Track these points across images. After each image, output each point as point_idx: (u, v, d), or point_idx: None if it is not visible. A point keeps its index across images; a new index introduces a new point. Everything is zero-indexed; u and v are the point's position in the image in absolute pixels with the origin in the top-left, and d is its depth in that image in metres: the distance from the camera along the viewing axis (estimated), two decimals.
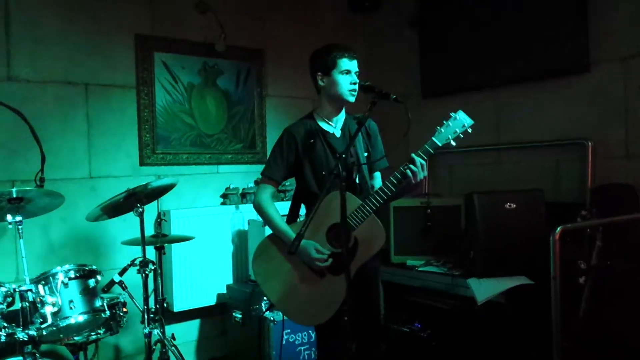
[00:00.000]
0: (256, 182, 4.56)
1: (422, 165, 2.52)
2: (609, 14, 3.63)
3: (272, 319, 3.69)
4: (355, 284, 2.40)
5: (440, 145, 2.54)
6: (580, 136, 3.75)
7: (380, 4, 5.08)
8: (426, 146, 2.54)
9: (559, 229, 2.75)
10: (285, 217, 2.83)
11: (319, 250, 2.59)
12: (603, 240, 2.98)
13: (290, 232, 2.64)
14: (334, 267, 2.61)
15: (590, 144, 3.70)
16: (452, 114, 2.58)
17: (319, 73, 2.77)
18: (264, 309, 3.79)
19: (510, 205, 3.48)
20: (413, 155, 2.52)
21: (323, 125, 2.79)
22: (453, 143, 2.55)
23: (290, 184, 4.50)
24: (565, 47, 3.78)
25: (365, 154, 2.79)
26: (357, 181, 2.75)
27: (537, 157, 4.03)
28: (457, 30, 4.45)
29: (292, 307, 2.70)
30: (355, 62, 2.73)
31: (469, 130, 2.56)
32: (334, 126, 2.80)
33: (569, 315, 2.85)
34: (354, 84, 2.70)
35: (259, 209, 2.78)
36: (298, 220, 2.86)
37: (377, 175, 2.91)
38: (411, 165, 2.51)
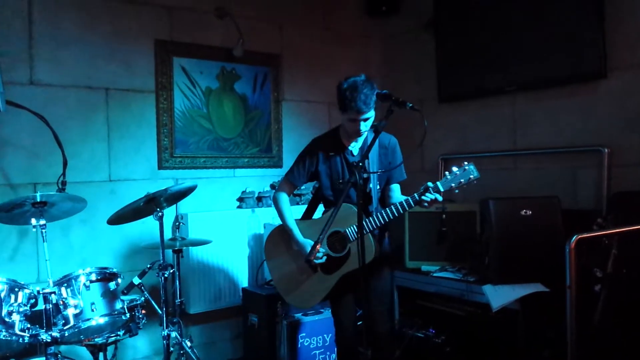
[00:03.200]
0: (272, 186, 4.61)
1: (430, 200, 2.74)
2: (627, 20, 3.62)
3: (287, 322, 3.73)
4: (345, 287, 3.02)
5: (442, 190, 2.74)
6: (597, 143, 3.75)
7: (397, 8, 5.11)
8: (429, 184, 2.74)
9: (574, 238, 2.75)
10: (302, 214, 3.38)
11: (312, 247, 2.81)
12: (619, 248, 2.98)
13: (296, 230, 3.11)
14: (326, 267, 3.03)
15: (606, 151, 3.69)
16: (465, 164, 2.76)
17: (339, 106, 2.94)
18: (279, 313, 3.83)
19: (526, 212, 3.48)
20: (415, 195, 2.78)
21: (344, 141, 3.07)
22: (456, 191, 2.76)
23: (305, 188, 4.55)
24: (583, 53, 3.77)
25: (381, 170, 3.02)
26: (371, 194, 2.98)
27: (554, 164, 4.03)
28: (474, 35, 4.46)
29: (285, 289, 3.23)
30: (366, 114, 2.84)
31: (475, 182, 2.76)
32: (354, 145, 3.06)
33: (584, 323, 2.85)
34: (359, 131, 2.90)
35: (275, 203, 3.23)
36: (311, 218, 3.34)
37: (395, 187, 3.11)
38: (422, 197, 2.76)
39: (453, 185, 2.74)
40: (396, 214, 2.83)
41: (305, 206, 3.44)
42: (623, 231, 3.00)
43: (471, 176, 2.73)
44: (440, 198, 2.74)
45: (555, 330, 3.15)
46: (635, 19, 3.59)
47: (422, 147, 2.82)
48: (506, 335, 3.42)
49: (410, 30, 5.06)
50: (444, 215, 4.02)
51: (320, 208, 3.32)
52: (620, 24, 3.64)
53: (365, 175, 2.92)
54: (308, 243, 3.03)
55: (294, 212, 3.25)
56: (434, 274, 3.89)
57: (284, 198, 3.20)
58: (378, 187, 3.04)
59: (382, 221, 2.85)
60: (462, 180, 2.73)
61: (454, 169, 2.75)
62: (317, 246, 2.45)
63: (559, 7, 3.89)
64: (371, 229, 2.87)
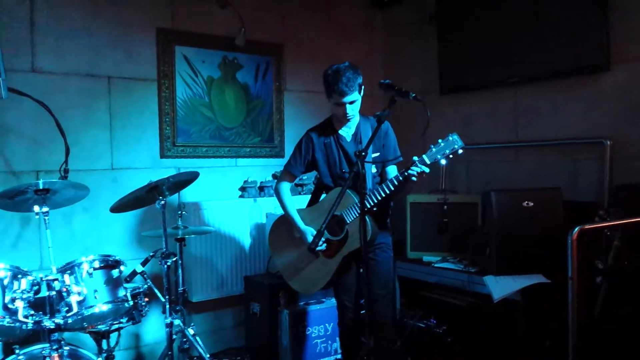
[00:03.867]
0: (274, 176, 4.61)
1: (418, 173, 2.82)
2: (630, 13, 3.61)
3: (288, 311, 3.74)
4: (348, 266, 3.14)
5: (428, 162, 2.81)
6: (599, 135, 3.75)
7: (400, 0, 5.09)
8: (414, 159, 2.82)
9: (576, 229, 2.76)
10: (306, 204, 3.44)
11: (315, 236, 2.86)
12: (621, 240, 2.99)
13: (297, 218, 3.24)
14: (327, 251, 3.14)
15: (608, 143, 3.69)
16: (449, 135, 2.84)
17: (325, 93, 3.10)
18: (281, 302, 3.84)
19: (527, 204, 3.50)
20: (403, 170, 2.87)
21: (338, 130, 3.20)
22: (443, 162, 2.83)
23: (307, 178, 4.55)
24: (585, 45, 3.77)
25: (377, 154, 3.12)
26: (366, 178, 3.03)
27: (556, 156, 4.03)
28: (476, 27, 4.45)
29: (290, 275, 3.33)
30: (349, 96, 2.97)
31: (460, 151, 2.83)
32: (347, 130, 3.20)
33: (585, 314, 2.87)
34: (346, 114, 3.02)
35: (277, 194, 3.35)
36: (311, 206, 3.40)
37: (391, 169, 3.22)
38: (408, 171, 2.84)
39: (438, 156, 2.82)
40: (387, 192, 2.92)
41: (308, 196, 3.46)
42: (625, 223, 3.00)
43: (455, 146, 2.82)
44: (427, 170, 2.80)
45: (557, 322, 3.17)
46: (638, 12, 3.58)
47: (424, 138, 2.82)
48: (507, 326, 3.44)
49: (413, 22, 5.05)
50: (445, 206, 4.04)
51: (323, 197, 3.35)
52: (624, 16, 3.63)
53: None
54: (309, 230, 3.17)
55: (296, 203, 3.35)
56: (436, 265, 3.91)
57: (284, 188, 3.33)
58: (375, 170, 3.15)
59: (375, 199, 2.93)
60: (446, 150, 2.82)
61: (439, 140, 2.83)
62: (323, 230, 2.58)
63: (562, 1, 3.88)
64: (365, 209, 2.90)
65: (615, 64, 3.68)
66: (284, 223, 3.37)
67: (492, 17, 4.33)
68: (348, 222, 3.05)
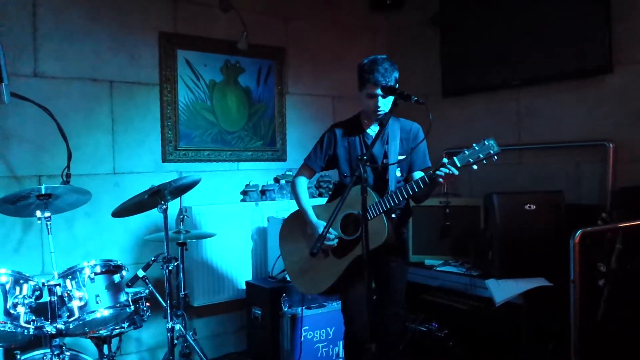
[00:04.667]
0: (276, 180, 4.61)
1: (446, 175, 2.60)
2: (632, 15, 3.60)
3: (290, 315, 3.74)
4: (356, 273, 2.79)
5: (459, 165, 2.59)
6: (602, 138, 3.74)
7: (402, 2, 5.09)
8: (444, 160, 2.60)
9: (578, 232, 2.76)
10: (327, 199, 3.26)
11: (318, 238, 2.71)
12: (623, 243, 2.98)
13: (310, 212, 3.03)
14: (338, 250, 2.92)
15: (611, 145, 3.68)
16: (484, 139, 2.60)
17: (358, 84, 2.91)
18: (283, 306, 3.83)
19: (530, 207, 3.49)
20: (430, 172, 2.67)
21: (365, 127, 3.01)
22: (475, 167, 2.60)
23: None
24: (588, 48, 3.76)
25: (403, 157, 2.93)
26: (389, 181, 2.89)
27: (558, 158, 4.02)
28: (478, 29, 4.44)
29: (295, 274, 3.14)
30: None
31: (495, 158, 2.59)
32: (374, 129, 2.99)
33: (588, 317, 2.86)
34: (377, 108, 2.84)
35: (292, 187, 3.17)
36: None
37: (418, 175, 2.94)
38: (436, 172, 2.63)
39: (471, 160, 2.59)
40: (410, 192, 2.71)
41: (310, 199, 3.42)
42: (627, 226, 3.00)
43: (491, 151, 2.58)
44: (456, 172, 2.58)
45: (559, 325, 3.15)
46: None
47: (427, 141, 2.79)
48: (509, 329, 3.43)
49: (416, 25, 5.05)
50: (447, 210, 4.03)
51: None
52: (626, 19, 3.63)
53: (385, 161, 2.88)
54: (321, 224, 2.95)
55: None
56: (438, 268, 3.91)
57: (301, 182, 3.14)
58: (400, 174, 2.95)
59: (395, 200, 2.73)
60: (480, 155, 2.58)
61: (473, 144, 2.60)
62: (325, 234, 2.42)
63: (564, 2, 3.88)
64: (384, 209, 2.75)
65: (618, 65, 3.68)
66: (296, 220, 3.17)
67: (494, 19, 4.32)
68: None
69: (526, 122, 4.24)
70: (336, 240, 2.88)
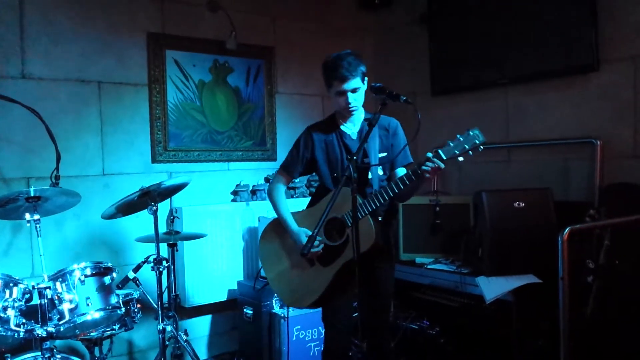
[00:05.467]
0: (266, 179, 4.61)
1: (432, 169, 2.50)
2: (618, 13, 3.63)
3: (282, 315, 3.74)
4: (346, 280, 2.67)
5: (444, 158, 2.49)
6: (590, 135, 3.77)
7: (390, 1, 5.11)
8: (428, 154, 2.51)
9: (567, 229, 2.77)
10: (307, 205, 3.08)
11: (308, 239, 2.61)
12: (611, 239, 3.01)
13: (290, 220, 2.88)
14: (323, 258, 2.78)
15: (599, 143, 3.71)
16: (468, 129, 2.54)
17: (325, 85, 2.83)
18: (274, 306, 3.84)
19: (519, 204, 3.51)
20: (415, 167, 2.56)
21: (342, 126, 2.89)
22: (461, 159, 2.51)
23: (299, 181, 4.55)
24: (575, 46, 3.79)
25: (384, 154, 2.83)
26: (371, 180, 2.80)
27: (546, 156, 4.05)
28: (467, 28, 4.46)
29: (281, 287, 2.97)
30: (351, 82, 2.70)
31: (481, 148, 2.51)
32: (351, 128, 2.88)
33: (577, 314, 2.88)
34: (349, 104, 2.74)
35: (270, 195, 3.01)
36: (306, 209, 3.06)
37: (401, 171, 2.86)
38: (422, 167, 2.52)
39: (456, 152, 2.49)
40: (396, 190, 2.59)
41: (301, 199, 3.42)
42: (615, 222, 3.03)
43: (476, 141, 2.49)
44: (442, 165, 2.47)
45: (549, 321, 3.18)
46: (626, 13, 3.60)
47: (416, 140, 2.76)
48: (500, 326, 3.45)
49: (404, 24, 5.06)
50: (437, 208, 4.04)
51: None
52: (612, 17, 3.65)
53: (366, 161, 2.77)
54: (303, 231, 2.82)
55: (289, 207, 3.02)
56: (428, 266, 3.92)
57: (278, 189, 2.99)
58: (382, 172, 2.83)
59: (381, 200, 2.61)
60: (466, 146, 2.49)
61: (457, 135, 2.53)
62: (314, 237, 2.34)
63: (551, 1, 3.90)
64: (370, 210, 2.63)
65: (605, 63, 3.70)
66: (275, 229, 3.01)
67: (482, 18, 4.34)
68: (349, 225, 2.67)
69: (514, 120, 4.27)
70: (321, 246, 2.75)
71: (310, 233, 2.64)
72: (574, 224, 2.85)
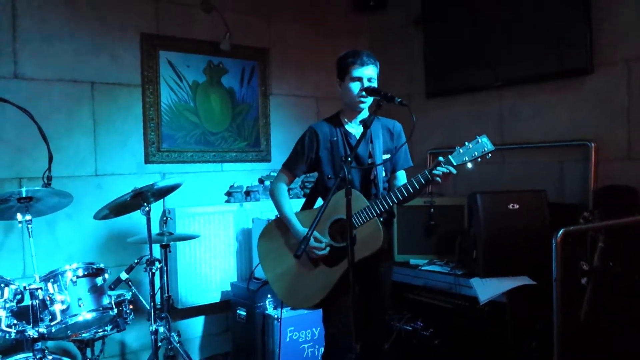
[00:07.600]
0: (260, 180, 4.60)
1: (443, 174, 2.53)
2: (612, 16, 3.64)
3: (276, 316, 3.73)
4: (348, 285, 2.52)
5: (455, 164, 2.53)
6: (584, 138, 3.77)
7: (385, 3, 5.10)
8: (440, 159, 2.54)
9: (561, 231, 2.77)
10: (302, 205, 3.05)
11: (317, 239, 2.69)
12: (605, 241, 3.01)
13: (295, 220, 2.82)
14: (328, 259, 2.74)
15: (593, 145, 3.71)
16: (477, 136, 2.56)
17: (337, 79, 2.85)
18: (267, 307, 3.82)
19: (513, 206, 3.51)
20: (426, 172, 2.57)
21: (346, 125, 2.88)
22: (470, 165, 2.54)
23: (294, 182, 4.53)
24: (569, 48, 3.80)
25: (388, 156, 2.84)
26: (374, 182, 2.81)
27: (541, 158, 4.06)
28: (461, 31, 4.47)
29: (283, 289, 2.89)
30: (369, 69, 2.75)
31: (489, 155, 2.55)
32: (356, 127, 2.87)
33: (571, 316, 2.88)
34: (362, 91, 2.73)
35: (272, 195, 2.95)
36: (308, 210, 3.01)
37: (401, 174, 2.92)
38: (433, 171, 2.54)
39: (466, 158, 2.53)
40: (405, 195, 2.59)
41: (295, 200, 3.41)
42: (609, 224, 3.03)
43: (485, 149, 2.53)
44: (454, 171, 2.51)
45: (543, 323, 3.18)
46: (620, 16, 3.61)
47: (411, 142, 2.75)
48: (494, 328, 3.45)
49: (399, 26, 5.07)
50: (432, 209, 4.04)
51: (320, 202, 3.02)
52: (606, 20, 3.66)
53: (369, 161, 2.78)
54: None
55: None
56: (422, 268, 3.91)
57: (281, 189, 2.92)
58: (384, 174, 2.84)
59: (390, 203, 2.61)
60: (475, 153, 2.53)
61: (466, 142, 2.55)
62: (310, 236, 2.33)
63: (546, 4, 3.91)
64: (377, 212, 2.62)
65: (599, 66, 3.71)
66: (277, 228, 2.95)
67: (476, 21, 4.35)
68: (357, 226, 2.64)
69: (509, 122, 4.27)
70: (328, 249, 2.73)
71: (318, 235, 2.70)
72: (568, 226, 2.84)
